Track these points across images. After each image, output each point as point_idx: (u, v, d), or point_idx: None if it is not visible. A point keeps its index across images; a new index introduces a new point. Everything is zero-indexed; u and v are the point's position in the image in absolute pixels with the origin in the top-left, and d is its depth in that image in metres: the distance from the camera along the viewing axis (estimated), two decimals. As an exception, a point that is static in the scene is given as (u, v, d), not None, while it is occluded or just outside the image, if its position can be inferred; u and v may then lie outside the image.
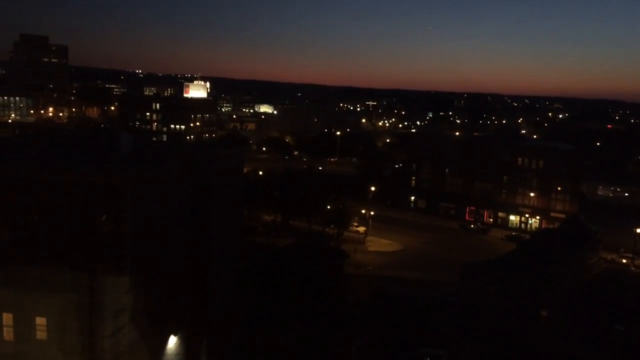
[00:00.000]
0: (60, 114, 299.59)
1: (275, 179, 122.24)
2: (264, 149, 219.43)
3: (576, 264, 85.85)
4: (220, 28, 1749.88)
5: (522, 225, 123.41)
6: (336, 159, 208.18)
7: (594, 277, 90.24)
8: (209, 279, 58.99)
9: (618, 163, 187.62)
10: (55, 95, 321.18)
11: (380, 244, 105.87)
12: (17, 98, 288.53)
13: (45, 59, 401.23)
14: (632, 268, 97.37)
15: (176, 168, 52.64)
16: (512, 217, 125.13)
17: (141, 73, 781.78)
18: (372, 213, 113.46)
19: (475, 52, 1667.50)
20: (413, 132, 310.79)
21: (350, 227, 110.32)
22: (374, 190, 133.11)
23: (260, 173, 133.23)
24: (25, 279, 41.37)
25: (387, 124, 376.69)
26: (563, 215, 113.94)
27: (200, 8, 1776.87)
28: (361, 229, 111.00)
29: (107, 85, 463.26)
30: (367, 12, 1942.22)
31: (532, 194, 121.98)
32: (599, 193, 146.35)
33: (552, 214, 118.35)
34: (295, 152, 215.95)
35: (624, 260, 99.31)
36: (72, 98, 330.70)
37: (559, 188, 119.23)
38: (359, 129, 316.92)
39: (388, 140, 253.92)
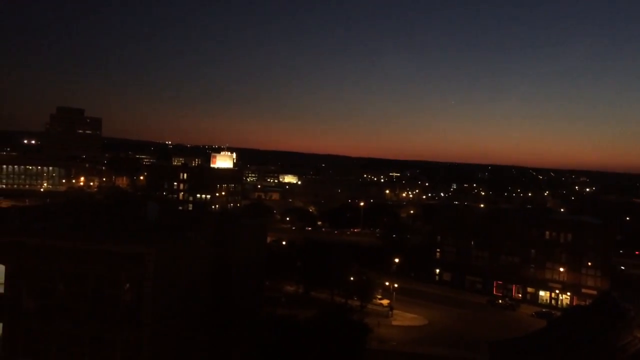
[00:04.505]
0: (91, 183, 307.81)
1: (298, 249, 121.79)
2: (287, 218, 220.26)
3: (609, 343, 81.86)
4: (247, 101, 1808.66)
5: (553, 301, 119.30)
6: (360, 229, 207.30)
7: (629, 357, 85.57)
8: (229, 350, 57.90)
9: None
10: (87, 165, 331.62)
11: (405, 317, 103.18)
12: (50, 168, 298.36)
13: (80, 131, 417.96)
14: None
15: (200, 237, 53.11)
16: (541, 293, 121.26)
17: (170, 144, 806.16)
18: (396, 285, 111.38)
19: (500, 124, 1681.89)
20: (437, 203, 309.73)
21: (374, 300, 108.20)
22: (398, 262, 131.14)
23: (284, 243, 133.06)
24: (50, 349, 41.27)
25: (411, 195, 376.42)
26: (595, 292, 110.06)
27: (228, 83, 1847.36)
28: (385, 301, 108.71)
29: (137, 156, 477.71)
30: (391, 87, 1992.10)
31: (561, 269, 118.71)
32: (631, 269, 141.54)
33: (584, 290, 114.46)
34: (319, 222, 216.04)
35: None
36: (103, 168, 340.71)
37: (589, 263, 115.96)
38: (382, 199, 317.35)
39: (412, 212, 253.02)
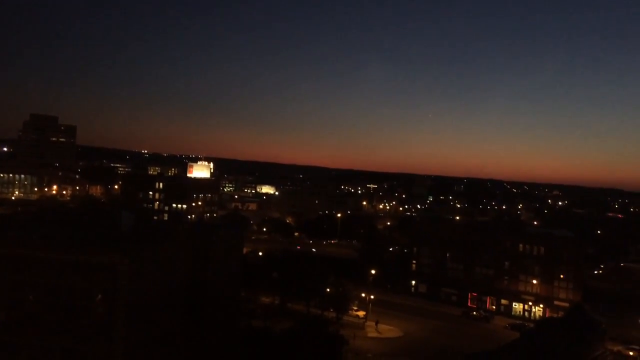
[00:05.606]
0: (64, 192, 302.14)
1: (274, 260, 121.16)
2: (264, 229, 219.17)
3: (581, 355, 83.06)
4: (225, 111, 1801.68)
5: (526, 313, 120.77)
6: (336, 241, 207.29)
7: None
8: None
9: (620, 251, 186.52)
10: (60, 173, 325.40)
11: (381, 329, 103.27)
12: (22, 176, 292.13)
13: (54, 139, 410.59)
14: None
15: (175, 247, 52.56)
16: (515, 305, 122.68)
17: (146, 153, 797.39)
18: (372, 297, 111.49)
19: (476, 138, 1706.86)
20: (414, 215, 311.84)
21: (350, 312, 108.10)
22: (374, 274, 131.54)
23: (260, 253, 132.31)
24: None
25: (388, 207, 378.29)
26: (567, 304, 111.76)
27: (206, 92, 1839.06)
28: (361, 313, 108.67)
29: (112, 165, 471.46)
30: (369, 99, 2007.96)
31: (534, 282, 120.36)
32: (602, 282, 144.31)
33: (556, 302, 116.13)
34: (296, 233, 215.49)
35: (631, 353, 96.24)
36: (77, 176, 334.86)
37: (561, 276, 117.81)
38: (359, 211, 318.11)
39: (388, 223, 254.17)
